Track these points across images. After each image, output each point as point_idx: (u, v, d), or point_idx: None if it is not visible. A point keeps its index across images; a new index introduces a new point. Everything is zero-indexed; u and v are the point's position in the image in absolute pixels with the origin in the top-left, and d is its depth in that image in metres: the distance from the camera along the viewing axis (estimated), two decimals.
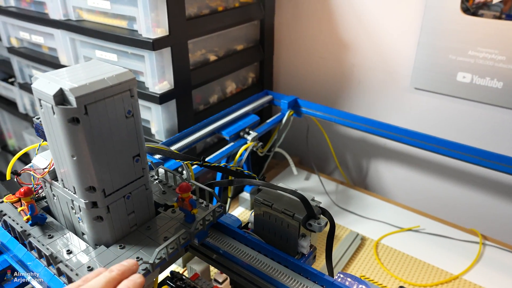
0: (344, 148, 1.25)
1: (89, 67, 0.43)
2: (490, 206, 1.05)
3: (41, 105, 0.41)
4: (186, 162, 0.56)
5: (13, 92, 1.36)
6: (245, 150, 0.89)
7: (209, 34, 0.96)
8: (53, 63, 1.09)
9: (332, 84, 1.19)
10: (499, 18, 0.87)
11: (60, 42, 1.02)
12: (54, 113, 0.39)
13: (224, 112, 0.94)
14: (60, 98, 0.39)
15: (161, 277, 0.69)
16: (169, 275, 0.70)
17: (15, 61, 1.25)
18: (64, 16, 0.98)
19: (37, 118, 0.49)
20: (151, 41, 0.81)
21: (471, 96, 0.96)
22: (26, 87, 1.26)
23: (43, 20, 1.04)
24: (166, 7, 0.80)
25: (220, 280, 0.75)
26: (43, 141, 0.53)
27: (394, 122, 0.99)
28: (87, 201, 0.43)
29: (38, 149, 0.53)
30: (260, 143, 0.94)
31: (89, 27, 0.92)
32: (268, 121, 1.01)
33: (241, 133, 0.92)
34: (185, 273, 0.82)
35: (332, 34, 1.13)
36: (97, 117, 0.40)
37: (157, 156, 0.73)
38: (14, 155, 1.73)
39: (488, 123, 0.97)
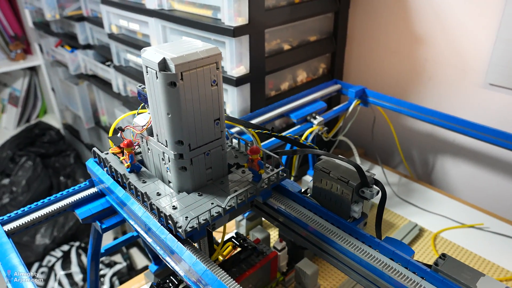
0: (410, 141, 1.25)
1: (186, 43, 0.52)
2: None
3: (147, 72, 0.51)
4: (257, 130, 0.64)
5: (109, 73, 1.55)
6: (310, 133, 0.95)
7: (285, 25, 1.03)
8: None
9: (402, 78, 1.20)
10: None
11: (153, 29, 1.16)
12: (157, 77, 0.49)
13: (294, 97, 1.01)
14: (163, 65, 0.48)
15: (227, 236, 0.79)
16: (234, 235, 0.79)
17: (113, 45, 1.43)
18: (158, 6, 1.11)
19: (139, 86, 0.60)
20: (232, 28, 0.90)
21: None
22: (121, 69, 1.44)
23: (140, 9, 1.18)
24: None
25: (279, 248, 0.82)
26: (140, 108, 0.64)
27: (465, 118, 0.98)
28: (175, 153, 0.53)
29: (137, 113, 0.64)
30: (326, 128, 0.99)
31: (179, 16, 1.04)
32: (335, 108, 1.06)
33: (308, 117, 0.98)
34: None
35: (406, 28, 1.14)
36: (189, 83, 0.49)
37: (233, 130, 0.83)
38: (105, 130, 1.95)
39: None
